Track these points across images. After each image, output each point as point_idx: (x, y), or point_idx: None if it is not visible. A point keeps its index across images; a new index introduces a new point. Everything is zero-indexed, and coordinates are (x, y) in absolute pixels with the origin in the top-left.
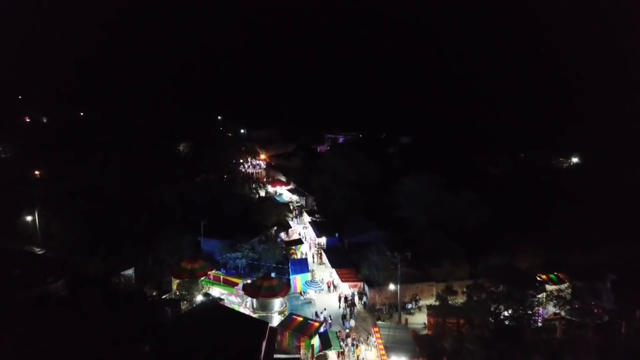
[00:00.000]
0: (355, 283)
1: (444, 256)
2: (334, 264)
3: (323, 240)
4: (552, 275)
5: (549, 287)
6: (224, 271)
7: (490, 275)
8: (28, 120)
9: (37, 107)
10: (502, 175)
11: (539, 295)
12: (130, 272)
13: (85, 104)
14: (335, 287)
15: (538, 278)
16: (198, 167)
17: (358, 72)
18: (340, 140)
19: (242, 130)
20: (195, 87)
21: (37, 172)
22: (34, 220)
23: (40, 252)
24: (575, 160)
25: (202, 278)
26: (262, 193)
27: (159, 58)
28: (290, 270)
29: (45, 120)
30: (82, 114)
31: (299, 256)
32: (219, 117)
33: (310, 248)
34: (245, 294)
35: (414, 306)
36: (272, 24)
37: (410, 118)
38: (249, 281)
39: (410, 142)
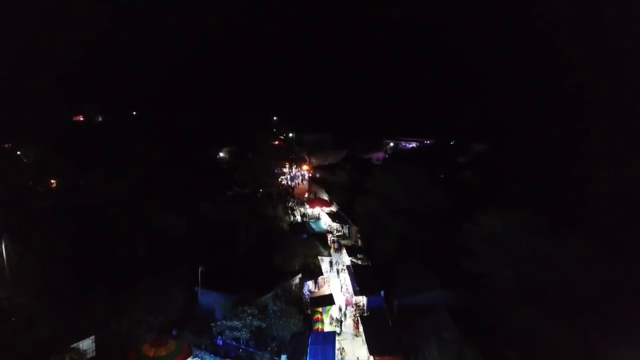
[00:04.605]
0: None
1: (544, 349)
2: (373, 348)
3: (363, 300)
4: None
5: None
6: (220, 342)
7: None
8: (82, 119)
9: (96, 106)
10: (606, 197)
11: None
12: (88, 342)
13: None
14: None
15: None
16: (233, 179)
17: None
18: (401, 146)
19: (290, 134)
20: (252, 87)
21: (52, 181)
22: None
23: None
24: None
25: None
26: (298, 216)
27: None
28: (309, 353)
29: (100, 119)
30: (134, 112)
31: (326, 324)
32: (275, 118)
33: (345, 307)
34: None
35: None
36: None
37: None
38: None
39: (486, 150)
